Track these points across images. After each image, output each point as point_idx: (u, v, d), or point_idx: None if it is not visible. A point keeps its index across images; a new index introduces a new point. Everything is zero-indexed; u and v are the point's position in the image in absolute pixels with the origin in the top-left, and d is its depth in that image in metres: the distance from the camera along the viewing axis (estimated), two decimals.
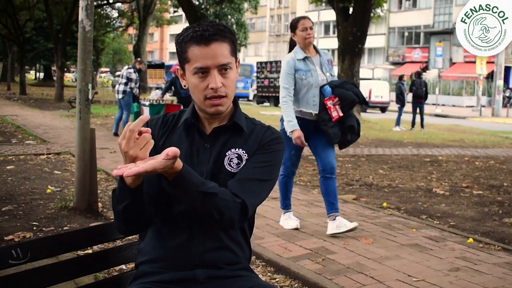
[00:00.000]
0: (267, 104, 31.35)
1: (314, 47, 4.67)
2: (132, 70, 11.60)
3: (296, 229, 4.73)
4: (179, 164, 1.52)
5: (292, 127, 4.43)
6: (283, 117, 4.56)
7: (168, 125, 1.81)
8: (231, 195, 1.65)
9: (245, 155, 1.76)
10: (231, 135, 1.78)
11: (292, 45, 4.71)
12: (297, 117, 4.51)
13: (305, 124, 4.54)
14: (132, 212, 1.62)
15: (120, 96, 11.59)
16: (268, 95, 31.34)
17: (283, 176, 4.82)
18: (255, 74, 34.48)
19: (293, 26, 4.61)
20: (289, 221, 4.82)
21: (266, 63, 32.64)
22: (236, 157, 1.75)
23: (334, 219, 4.55)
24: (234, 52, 1.74)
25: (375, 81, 32.93)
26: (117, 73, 45.01)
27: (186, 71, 1.74)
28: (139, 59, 13.14)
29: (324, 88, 4.56)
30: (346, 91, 4.61)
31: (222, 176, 1.72)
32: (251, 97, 35.48)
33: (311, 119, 4.59)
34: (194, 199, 1.58)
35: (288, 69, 4.53)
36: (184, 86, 1.79)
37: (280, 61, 31.30)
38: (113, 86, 46.10)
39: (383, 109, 29.12)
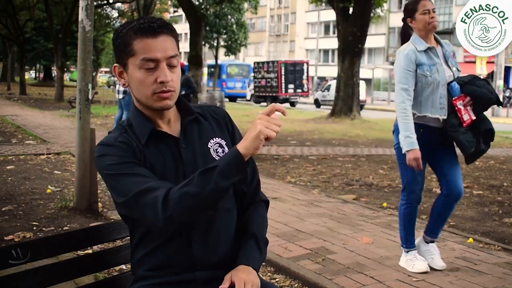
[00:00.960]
0: (264, 103, 31.48)
1: (435, 36, 3.75)
2: None
3: (426, 272, 3.73)
4: None
5: (409, 146, 3.49)
6: (397, 128, 3.65)
7: (134, 143, 1.68)
8: (265, 209, 1.99)
9: (223, 141, 1.78)
10: (197, 127, 1.76)
11: (405, 34, 3.82)
12: (417, 125, 3.58)
13: (429, 134, 3.60)
14: (224, 196, 1.61)
15: (121, 96, 11.60)
16: (265, 94, 31.53)
17: (408, 206, 3.83)
18: (252, 74, 34.62)
19: (411, 9, 3.74)
20: (415, 262, 3.78)
21: (263, 63, 32.87)
22: (218, 146, 1.77)
23: (428, 243, 3.87)
24: (178, 49, 1.70)
25: (334, 81, 33.19)
26: None
27: (130, 66, 1.64)
28: None
29: (451, 85, 3.65)
30: (479, 88, 3.66)
31: None
32: (248, 97, 35.57)
33: (437, 126, 3.65)
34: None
35: (408, 64, 3.56)
36: (124, 85, 1.70)
37: (276, 61, 31.50)
38: (109, 86, 46.19)
39: (360, 107, 29.36)
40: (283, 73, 30.73)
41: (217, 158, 1.72)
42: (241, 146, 1.53)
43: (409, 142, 3.49)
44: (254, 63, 33.95)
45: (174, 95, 1.66)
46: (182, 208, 1.53)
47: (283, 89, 30.77)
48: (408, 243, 3.86)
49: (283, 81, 30.71)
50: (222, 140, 1.78)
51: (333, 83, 30.78)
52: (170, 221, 1.54)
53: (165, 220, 1.54)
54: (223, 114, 1.84)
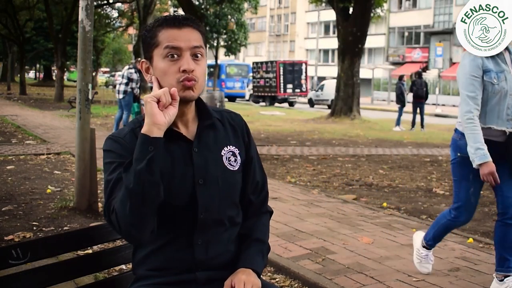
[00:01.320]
0: (263, 103, 31.76)
1: None
2: (133, 70, 11.60)
3: None
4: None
5: (482, 158, 3.14)
6: (455, 142, 3.42)
7: None
8: (268, 219, 1.93)
9: (236, 150, 1.77)
10: (212, 133, 1.74)
11: None
12: None
13: (491, 149, 3.19)
14: (153, 179, 1.49)
15: (121, 96, 11.59)
16: (264, 94, 31.81)
17: (454, 222, 3.58)
18: (251, 74, 34.87)
19: None
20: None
21: (262, 63, 33.15)
22: (231, 154, 1.75)
23: (502, 280, 3.35)
24: (205, 44, 1.70)
25: (329, 80, 34.61)
26: (118, 73, 45.12)
27: (155, 58, 1.64)
28: (139, 58, 13.14)
29: None
30: None
31: (228, 176, 1.72)
32: (247, 97, 35.75)
33: (500, 140, 3.29)
34: None
35: (474, 70, 3.22)
36: (149, 80, 1.68)
37: (275, 61, 31.69)
38: (106, 86, 46.24)
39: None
40: (281, 73, 30.92)
41: (229, 167, 1.72)
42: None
43: (481, 154, 3.13)
44: (253, 63, 34.15)
45: (198, 86, 1.64)
46: (126, 213, 1.50)
47: (282, 89, 30.99)
48: None
49: (281, 81, 30.92)
50: (236, 149, 1.77)
51: (326, 83, 32.23)
52: (127, 233, 1.55)
53: (122, 233, 1.56)
54: (241, 122, 1.83)
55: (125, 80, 11.55)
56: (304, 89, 31.78)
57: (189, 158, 1.68)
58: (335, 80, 34.39)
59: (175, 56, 1.61)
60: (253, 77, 33.26)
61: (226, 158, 1.74)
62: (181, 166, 1.66)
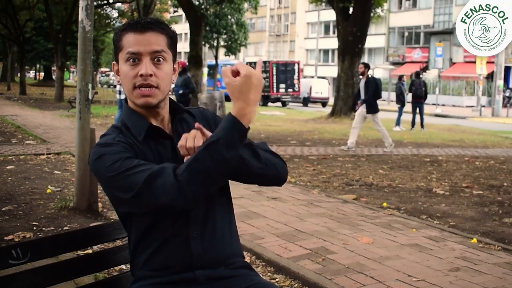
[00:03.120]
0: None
1: None
2: None
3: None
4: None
5: None
6: None
7: (132, 141, 1.67)
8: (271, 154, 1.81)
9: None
10: (187, 125, 1.77)
11: None
12: None
13: None
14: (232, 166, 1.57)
15: (124, 96, 11.53)
16: None
17: None
18: None
19: None
20: None
21: (255, 63, 33.24)
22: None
23: None
24: (172, 48, 1.70)
25: (315, 79, 36.89)
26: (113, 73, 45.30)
27: (120, 61, 1.68)
28: None
29: None
30: None
31: None
32: None
33: None
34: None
35: None
36: (118, 82, 1.72)
37: (268, 62, 32.87)
38: (101, 85, 46.23)
39: (324, 104, 32.65)
40: (274, 73, 31.76)
41: None
42: (234, 111, 1.52)
43: None
44: (247, 63, 34.46)
45: (157, 92, 1.65)
46: (194, 186, 1.52)
47: (275, 89, 31.80)
48: None
49: (274, 81, 31.74)
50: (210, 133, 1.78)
51: (312, 81, 34.00)
52: (186, 199, 1.53)
53: (181, 199, 1.52)
54: (212, 114, 1.88)
55: None
56: (296, 89, 32.63)
57: (174, 153, 1.70)
58: (309, 79, 36.55)
59: (136, 60, 1.64)
60: None
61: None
62: (170, 161, 1.65)
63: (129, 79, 1.65)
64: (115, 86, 31.24)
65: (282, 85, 31.89)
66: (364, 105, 10.72)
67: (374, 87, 10.59)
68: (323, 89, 33.26)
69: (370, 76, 10.99)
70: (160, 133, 1.72)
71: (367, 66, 10.96)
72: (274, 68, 31.76)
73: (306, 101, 33.29)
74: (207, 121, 1.82)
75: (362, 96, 10.78)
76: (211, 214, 1.73)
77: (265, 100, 31.73)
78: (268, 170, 1.73)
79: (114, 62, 1.74)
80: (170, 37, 1.69)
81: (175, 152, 1.69)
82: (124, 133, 1.69)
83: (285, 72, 32.05)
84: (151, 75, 1.63)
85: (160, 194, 1.53)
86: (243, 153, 1.64)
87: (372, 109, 10.71)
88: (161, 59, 1.66)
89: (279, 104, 32.26)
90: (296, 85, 32.49)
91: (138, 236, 1.72)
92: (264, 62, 32.64)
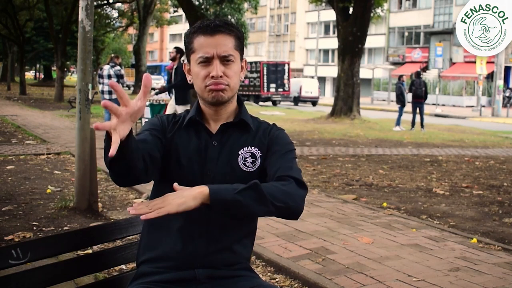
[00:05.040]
0: (247, 101, 33.06)
1: None
2: (118, 68, 11.58)
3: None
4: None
5: None
6: None
7: (176, 123, 1.82)
8: (286, 183, 1.67)
9: (258, 152, 1.78)
10: (239, 133, 1.79)
11: None
12: None
13: None
14: (120, 165, 1.53)
15: (115, 96, 11.46)
16: (248, 93, 33.68)
17: None
18: None
19: None
20: None
21: (255, 63, 34.80)
22: (250, 155, 1.77)
23: None
24: (239, 48, 1.78)
25: (305, 78, 38.26)
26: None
27: (192, 62, 1.78)
28: (113, 54, 12.88)
29: None
30: None
31: (237, 175, 1.73)
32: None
33: None
34: (265, 204, 1.60)
35: None
36: (190, 80, 1.82)
37: (259, 62, 33.65)
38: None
39: (314, 103, 33.72)
40: (265, 73, 32.66)
41: (242, 166, 1.75)
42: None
43: None
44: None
45: (228, 89, 1.74)
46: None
47: (265, 89, 32.70)
48: None
49: (265, 80, 32.61)
50: (258, 151, 1.78)
51: (292, 81, 34.71)
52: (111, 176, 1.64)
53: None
54: (275, 134, 1.83)
55: (114, 79, 11.49)
56: (286, 89, 33.56)
57: (206, 149, 1.76)
58: (298, 79, 37.68)
59: (206, 62, 1.73)
60: None
61: (242, 157, 1.76)
62: (196, 154, 1.75)
63: (200, 80, 1.74)
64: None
65: (273, 85, 32.82)
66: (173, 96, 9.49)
67: (184, 76, 9.53)
68: (313, 89, 34.18)
69: (183, 61, 9.43)
70: (202, 127, 1.79)
71: (179, 51, 9.63)
72: (265, 68, 32.73)
73: (297, 100, 34.19)
74: (265, 135, 1.81)
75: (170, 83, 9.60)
76: (223, 219, 1.73)
77: (256, 99, 32.84)
78: (277, 211, 1.63)
79: (185, 62, 1.83)
80: (238, 38, 1.77)
81: (206, 148, 1.76)
82: (176, 118, 1.83)
83: (276, 72, 33.00)
84: (221, 76, 1.72)
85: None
86: (246, 198, 1.57)
87: (181, 100, 9.28)
88: (230, 60, 1.74)
89: (269, 103, 33.18)
90: (286, 85, 33.42)
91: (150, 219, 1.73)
92: (255, 63, 33.98)
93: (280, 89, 33.15)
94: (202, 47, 1.73)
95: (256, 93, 32.83)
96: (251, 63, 34.30)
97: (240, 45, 1.78)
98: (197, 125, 1.80)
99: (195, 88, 1.80)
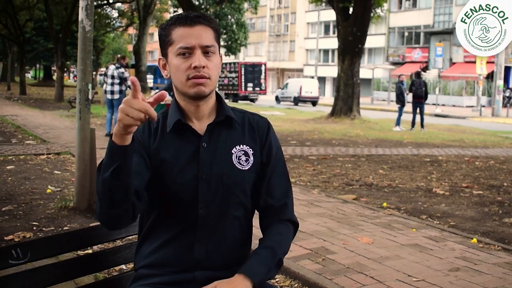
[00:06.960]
0: (226, 100, 33.99)
1: None
2: (123, 69, 11.56)
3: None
4: None
5: None
6: None
7: (156, 130, 1.73)
8: (290, 230, 1.82)
9: (250, 150, 1.76)
10: (226, 131, 1.76)
11: None
12: None
13: None
14: (119, 186, 1.50)
15: (117, 96, 11.48)
16: (227, 92, 35.56)
17: None
18: None
19: None
20: None
21: (225, 64, 37.76)
22: (243, 154, 1.75)
23: None
24: (218, 41, 1.74)
25: (305, 78, 39.79)
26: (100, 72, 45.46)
27: (169, 55, 1.71)
28: (119, 55, 12.84)
29: None
30: None
31: (234, 174, 1.71)
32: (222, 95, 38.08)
33: None
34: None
35: None
36: (166, 75, 1.75)
37: (237, 62, 35.33)
38: (101, 85, 46.25)
39: (314, 103, 34.41)
40: (243, 73, 34.74)
41: (237, 165, 1.72)
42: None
43: None
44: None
45: (210, 83, 1.69)
46: (98, 211, 1.57)
47: (243, 88, 34.76)
48: None
49: (242, 80, 34.68)
50: (250, 149, 1.76)
51: (290, 82, 36.63)
52: (100, 219, 1.59)
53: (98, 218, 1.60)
54: (263, 125, 1.83)
55: (117, 80, 11.48)
56: (263, 88, 35.61)
57: (196, 152, 1.71)
58: (299, 79, 38.92)
59: (187, 54, 1.67)
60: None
61: (236, 156, 1.74)
62: (187, 159, 1.69)
63: (181, 72, 1.68)
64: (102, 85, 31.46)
65: (250, 84, 34.91)
66: None
67: None
68: (313, 89, 34.84)
69: None
70: (188, 129, 1.73)
71: None
72: (243, 69, 34.73)
73: (297, 100, 34.74)
74: (252, 129, 1.80)
75: None
76: (222, 222, 1.72)
77: (234, 97, 34.56)
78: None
79: (160, 57, 1.76)
80: (216, 30, 1.73)
81: (198, 150, 1.71)
82: (159, 119, 1.74)
83: (253, 73, 35.09)
84: (203, 67, 1.66)
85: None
86: (274, 273, 1.71)
87: None
88: (211, 52, 1.70)
89: (247, 101, 34.69)
90: (263, 84, 35.44)
91: (148, 225, 1.74)
92: (234, 63, 35.80)
93: (257, 88, 35.15)
94: (183, 38, 1.67)
95: (235, 91, 34.72)
96: (230, 63, 36.22)
97: (218, 39, 1.74)
98: (182, 128, 1.72)
99: (173, 82, 1.72)
